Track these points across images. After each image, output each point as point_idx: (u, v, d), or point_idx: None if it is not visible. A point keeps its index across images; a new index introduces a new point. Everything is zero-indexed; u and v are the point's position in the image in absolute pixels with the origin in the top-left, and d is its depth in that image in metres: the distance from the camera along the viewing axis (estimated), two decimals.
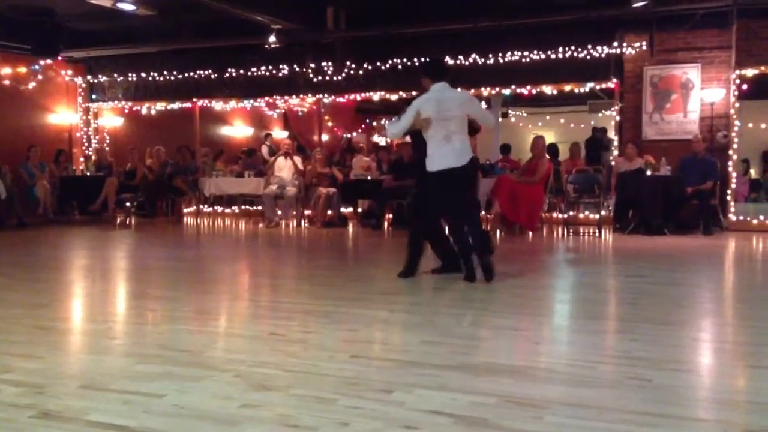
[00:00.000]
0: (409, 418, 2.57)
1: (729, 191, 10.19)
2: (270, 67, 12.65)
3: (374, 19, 11.76)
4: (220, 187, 12.50)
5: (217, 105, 13.59)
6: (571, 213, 10.61)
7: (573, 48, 10.81)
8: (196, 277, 6.23)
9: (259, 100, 13.31)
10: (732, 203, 10.25)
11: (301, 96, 12.94)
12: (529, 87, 11.28)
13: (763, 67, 9.97)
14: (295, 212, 11.56)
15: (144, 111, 13.80)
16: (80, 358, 3.58)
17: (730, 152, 10.24)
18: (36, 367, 3.25)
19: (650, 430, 2.46)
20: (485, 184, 10.37)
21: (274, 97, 13.14)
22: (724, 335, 4.08)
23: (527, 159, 10.54)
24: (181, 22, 12.41)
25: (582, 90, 11.62)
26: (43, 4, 11.83)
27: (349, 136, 16.26)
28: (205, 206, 12.85)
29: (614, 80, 10.87)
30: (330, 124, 14.37)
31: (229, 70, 12.91)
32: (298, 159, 11.70)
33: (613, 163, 10.79)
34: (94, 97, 14.05)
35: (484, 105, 5.61)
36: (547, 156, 10.20)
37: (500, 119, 16.49)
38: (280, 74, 12.64)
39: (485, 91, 11.59)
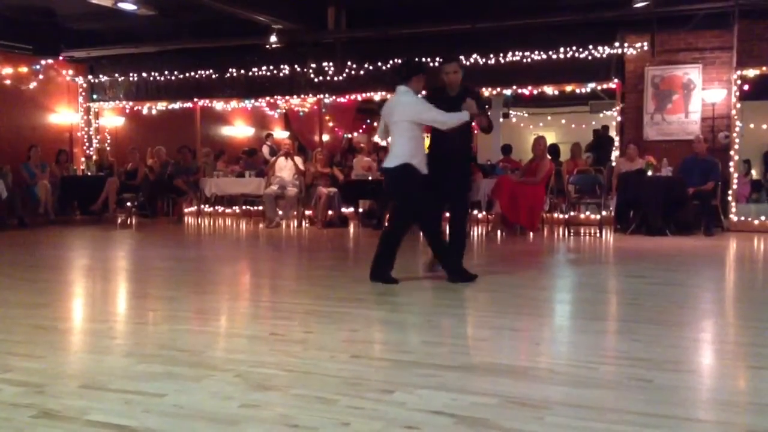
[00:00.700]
0: (410, 418, 2.57)
1: (730, 192, 10.19)
2: (271, 67, 12.66)
3: (375, 19, 11.77)
4: (221, 187, 12.50)
5: (218, 105, 13.60)
6: (572, 213, 10.60)
7: (574, 48, 10.80)
8: (196, 277, 6.22)
9: (260, 100, 13.32)
10: (733, 204, 10.24)
11: (302, 96, 12.94)
12: (530, 87, 11.29)
13: (764, 68, 9.97)
14: (295, 212, 11.56)
15: (145, 111, 13.81)
16: (80, 357, 3.58)
17: (732, 153, 10.24)
18: (36, 367, 3.25)
19: (651, 431, 2.45)
20: (486, 185, 10.38)
21: (275, 97, 13.14)
22: (725, 336, 4.08)
23: (528, 159, 10.54)
24: (182, 22, 12.43)
25: (583, 90, 11.64)
26: (44, 4, 11.84)
27: (349, 136, 16.27)
28: (206, 206, 12.84)
29: (615, 81, 10.87)
30: (331, 124, 14.38)
31: (230, 70, 12.92)
32: (298, 159, 11.69)
33: (614, 163, 10.79)
34: (95, 96, 14.06)
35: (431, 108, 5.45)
36: (549, 156, 10.20)
37: (501, 120, 16.49)
38: (281, 74, 12.65)
39: (486, 92, 11.58)
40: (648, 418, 2.56)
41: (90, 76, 13.95)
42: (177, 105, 13.51)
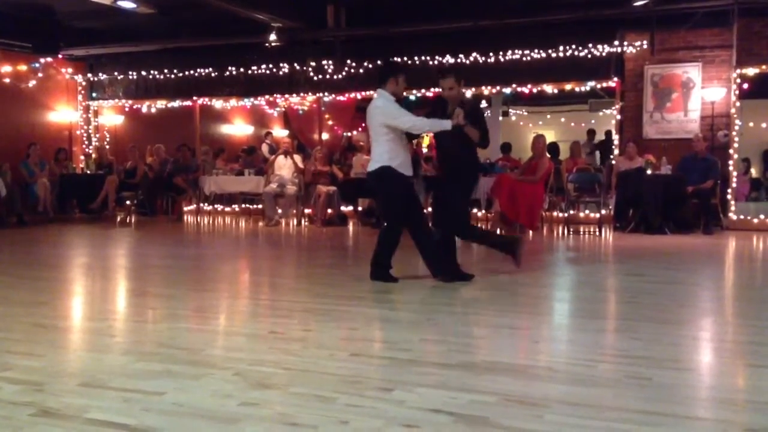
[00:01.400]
0: (409, 416, 2.57)
1: (729, 190, 10.19)
2: (270, 66, 12.65)
3: (374, 18, 11.76)
4: (220, 186, 12.50)
5: (218, 103, 13.59)
6: (571, 212, 10.60)
7: (574, 47, 10.80)
8: (195, 276, 6.23)
9: (259, 98, 13.31)
10: (732, 202, 10.24)
11: (302, 94, 12.94)
12: (529, 86, 11.28)
13: (763, 66, 9.97)
14: (295, 211, 11.56)
15: (144, 109, 13.79)
16: (80, 356, 3.58)
17: (731, 151, 10.24)
18: (36, 365, 3.25)
19: (650, 429, 2.45)
20: (485, 183, 10.37)
21: (275, 95, 13.14)
22: (724, 334, 4.08)
23: (528, 158, 10.53)
24: (181, 20, 12.41)
25: (583, 89, 11.63)
26: (44, 2, 11.82)
27: (349, 134, 16.25)
28: (205, 205, 12.84)
29: (615, 79, 10.87)
30: (330, 122, 14.37)
31: (230, 68, 12.90)
32: (298, 157, 11.69)
33: (613, 162, 10.78)
34: (94, 95, 14.05)
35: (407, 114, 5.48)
36: (548, 155, 10.20)
37: (501, 118, 16.50)
38: (281, 72, 12.64)
39: (486, 90, 11.57)
40: (647, 416, 2.56)
41: (89, 75, 13.94)
42: (176, 103, 13.50)
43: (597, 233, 9.74)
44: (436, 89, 9.98)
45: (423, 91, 11.31)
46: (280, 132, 16.36)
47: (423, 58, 11.37)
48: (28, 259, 7.47)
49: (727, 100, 10.27)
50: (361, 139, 16.42)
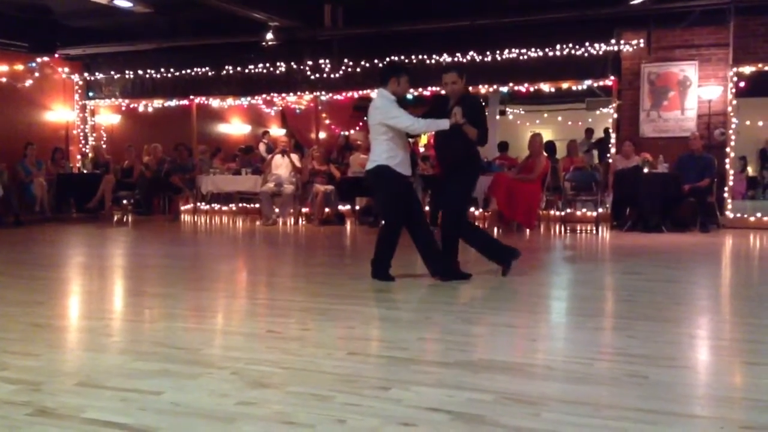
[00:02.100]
0: (407, 415, 2.57)
1: (726, 188, 10.20)
2: (267, 65, 12.64)
3: (372, 17, 11.76)
4: (217, 185, 12.49)
5: (215, 102, 13.56)
6: (568, 210, 10.61)
7: (571, 45, 10.80)
8: (193, 275, 6.22)
9: (256, 97, 13.29)
10: (729, 200, 10.26)
11: (299, 93, 12.93)
12: (526, 84, 11.29)
13: (760, 65, 9.98)
14: (292, 210, 11.54)
15: (141, 108, 13.77)
16: (77, 355, 3.58)
17: (728, 150, 10.25)
18: (32, 365, 3.25)
19: (647, 427, 2.46)
20: (483, 182, 10.37)
21: (272, 94, 13.12)
22: (721, 332, 4.09)
23: (525, 156, 10.54)
24: (178, 19, 12.41)
25: (580, 87, 11.64)
26: (41, 1, 11.80)
27: (346, 133, 16.22)
28: (202, 204, 12.83)
29: (612, 78, 10.87)
30: (327, 121, 14.35)
31: (227, 67, 12.88)
32: (295, 156, 11.68)
33: (610, 160, 10.79)
34: (91, 94, 14.03)
35: (401, 113, 5.46)
36: (545, 153, 10.21)
37: (498, 117, 16.48)
38: (278, 71, 12.63)
39: (483, 89, 11.57)
40: (644, 414, 2.56)
41: (86, 74, 13.91)
42: (173, 102, 13.48)
43: (594, 232, 9.75)
44: (434, 88, 9.96)
45: (420, 89, 11.30)
46: (277, 131, 16.34)
47: (420, 57, 11.36)
48: (25, 258, 7.46)
49: (723, 98, 10.28)
50: (359, 138, 16.41)
